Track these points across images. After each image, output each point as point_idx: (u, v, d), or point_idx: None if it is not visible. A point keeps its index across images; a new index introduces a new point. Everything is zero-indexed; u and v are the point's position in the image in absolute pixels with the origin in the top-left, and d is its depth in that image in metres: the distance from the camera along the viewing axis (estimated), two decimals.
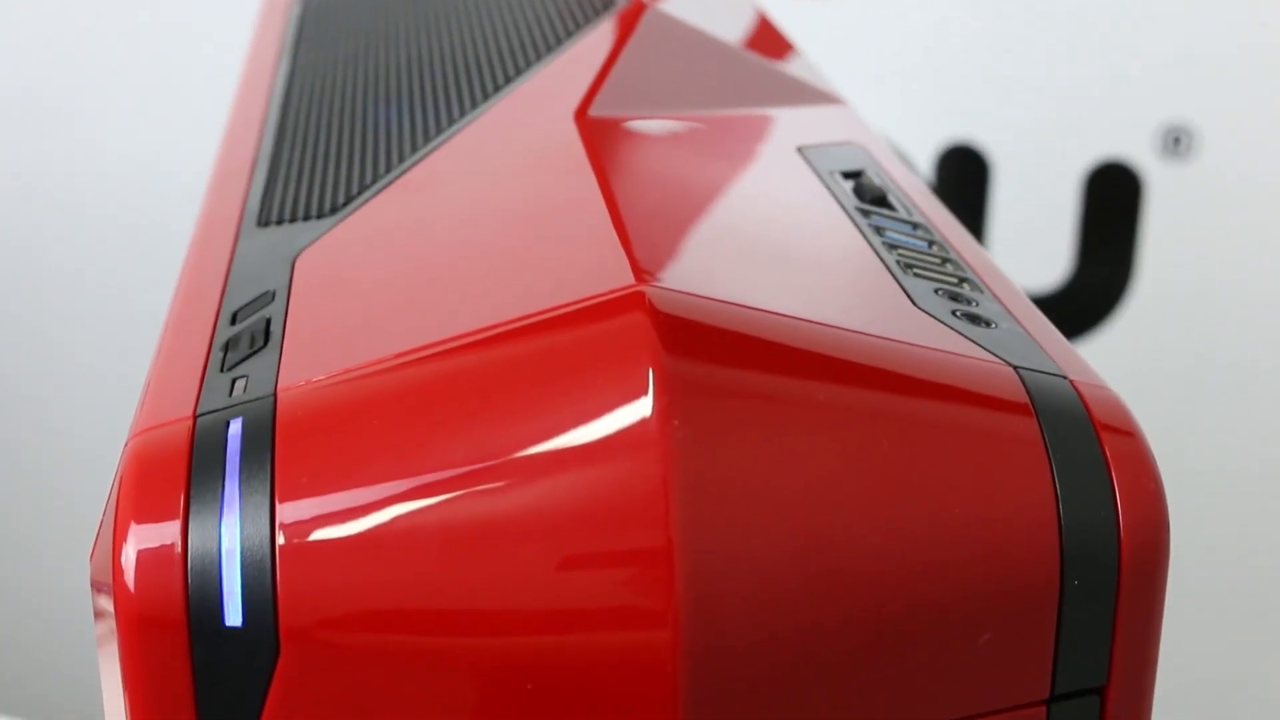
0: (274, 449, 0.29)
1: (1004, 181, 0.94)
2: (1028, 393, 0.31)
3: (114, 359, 1.13)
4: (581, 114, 0.42)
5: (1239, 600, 0.97)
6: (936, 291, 0.35)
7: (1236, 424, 0.95)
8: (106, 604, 0.30)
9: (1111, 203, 0.92)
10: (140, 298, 1.09)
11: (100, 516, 0.31)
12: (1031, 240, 0.95)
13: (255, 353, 0.32)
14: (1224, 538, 0.95)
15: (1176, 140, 0.90)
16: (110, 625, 0.29)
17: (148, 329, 0.44)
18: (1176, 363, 0.94)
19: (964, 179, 0.94)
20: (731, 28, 0.54)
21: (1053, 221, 0.94)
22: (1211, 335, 0.93)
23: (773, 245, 0.37)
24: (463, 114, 0.44)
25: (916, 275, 0.36)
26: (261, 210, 0.39)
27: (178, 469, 0.29)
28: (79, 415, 1.17)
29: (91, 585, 0.31)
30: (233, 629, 0.28)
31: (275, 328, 0.33)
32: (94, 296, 1.15)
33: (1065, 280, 0.94)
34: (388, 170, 0.41)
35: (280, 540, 0.28)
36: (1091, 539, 0.30)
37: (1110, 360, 0.34)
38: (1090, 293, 0.94)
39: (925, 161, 0.96)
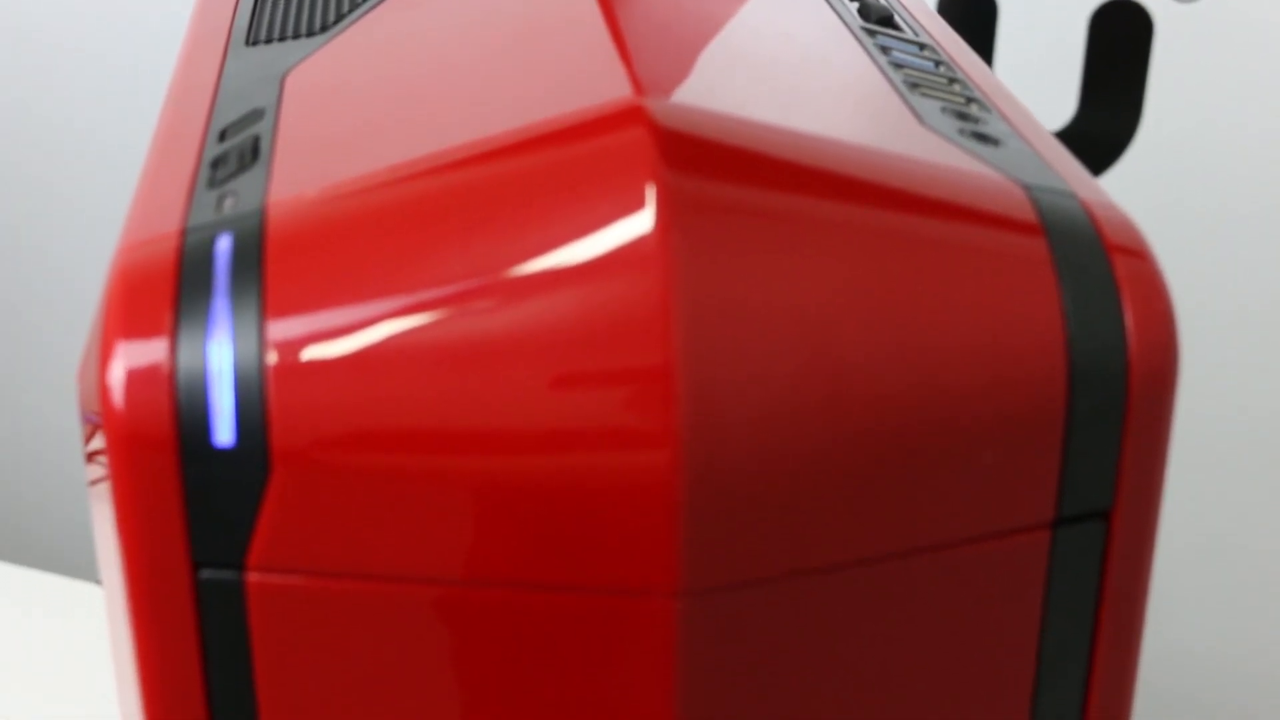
0: (263, 264, 0.28)
1: (1009, 19, 0.93)
2: (1036, 210, 0.31)
3: (102, 194, 1.12)
4: None
5: (1239, 443, 0.97)
6: (943, 110, 0.35)
7: (1243, 267, 0.94)
8: (95, 433, 0.29)
9: (1120, 42, 0.91)
10: (130, 129, 1.08)
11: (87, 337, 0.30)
12: (1037, 80, 0.93)
13: (244, 169, 0.31)
14: (1227, 379, 0.95)
15: None
16: (100, 458, 0.29)
17: (138, 156, 0.43)
18: (1183, 205, 0.93)
19: (968, 16, 0.93)
20: None
21: (1059, 61, 0.92)
22: (1219, 178, 0.92)
23: (776, 63, 0.36)
24: None
25: (923, 94, 0.35)
26: (250, 29, 0.38)
27: (165, 285, 0.28)
28: (71, 250, 1.17)
29: (80, 415, 0.31)
30: (223, 449, 0.28)
31: (264, 145, 0.32)
32: (84, 129, 1.14)
33: (1071, 121, 0.93)
34: None
35: (271, 358, 0.28)
36: (1100, 359, 0.30)
37: (1117, 201, 0.33)
38: (1097, 134, 0.92)
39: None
